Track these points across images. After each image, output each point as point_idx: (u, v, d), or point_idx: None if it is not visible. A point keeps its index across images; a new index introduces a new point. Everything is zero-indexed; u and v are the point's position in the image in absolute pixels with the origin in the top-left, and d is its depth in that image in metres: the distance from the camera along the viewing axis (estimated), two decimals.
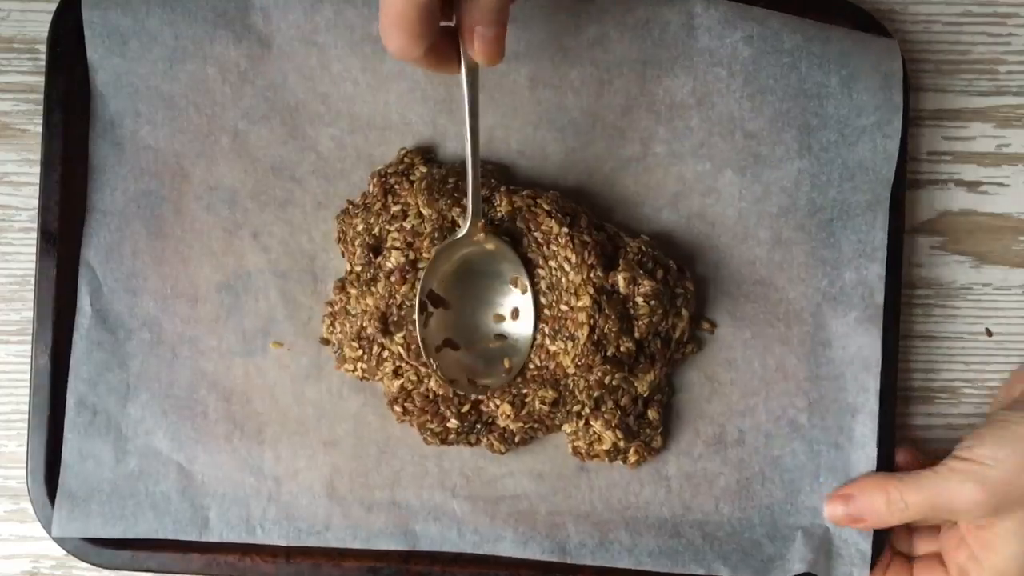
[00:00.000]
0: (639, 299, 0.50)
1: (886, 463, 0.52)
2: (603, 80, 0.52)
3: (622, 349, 0.50)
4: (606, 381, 0.50)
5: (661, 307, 0.50)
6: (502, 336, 0.51)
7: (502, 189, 0.51)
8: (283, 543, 0.52)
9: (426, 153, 0.53)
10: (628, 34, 0.52)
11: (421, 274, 0.50)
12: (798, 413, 0.53)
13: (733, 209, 0.53)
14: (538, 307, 0.50)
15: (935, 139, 0.56)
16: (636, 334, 0.50)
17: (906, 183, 0.54)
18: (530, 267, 0.51)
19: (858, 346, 0.53)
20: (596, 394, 0.51)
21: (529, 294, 0.50)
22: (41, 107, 0.52)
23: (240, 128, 0.52)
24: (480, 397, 0.51)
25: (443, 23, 0.43)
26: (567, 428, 0.52)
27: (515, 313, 0.51)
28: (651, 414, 0.52)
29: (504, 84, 0.52)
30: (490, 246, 0.50)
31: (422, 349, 0.50)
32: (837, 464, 0.52)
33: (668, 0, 0.52)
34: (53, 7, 0.52)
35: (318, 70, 0.52)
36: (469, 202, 0.49)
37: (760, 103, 0.52)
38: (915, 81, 0.55)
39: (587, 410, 0.51)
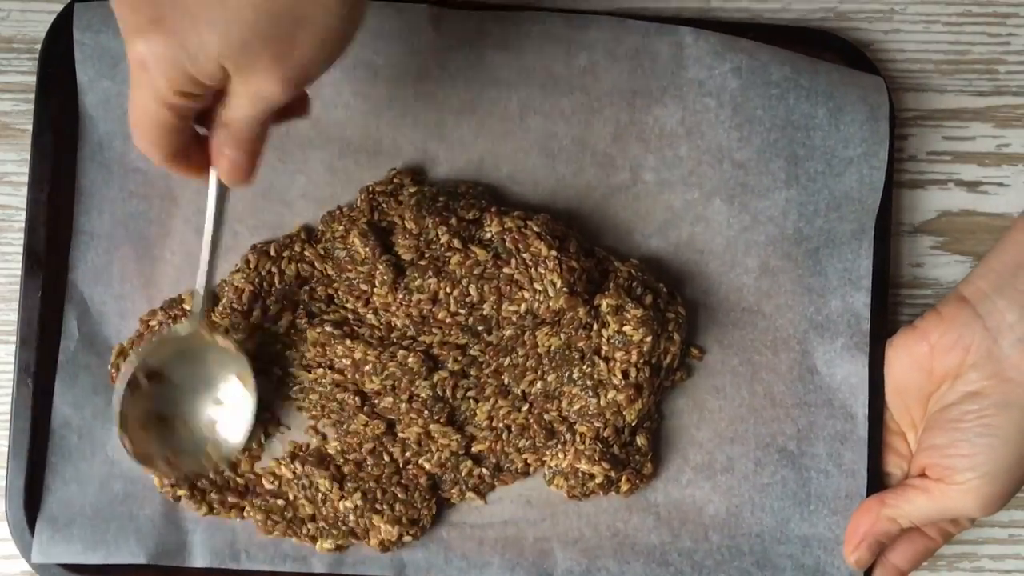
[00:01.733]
0: (627, 328, 0.50)
1: (876, 489, 0.53)
2: (593, 108, 0.53)
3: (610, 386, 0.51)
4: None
5: (651, 333, 0.51)
6: (214, 423, 0.50)
7: (492, 210, 0.51)
8: (268, 569, 0.51)
9: (416, 174, 0.53)
10: (618, 63, 0.53)
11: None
12: (787, 440, 0.53)
13: (721, 237, 0.53)
14: (257, 405, 0.49)
15: (935, 139, 0.56)
16: (622, 365, 0.51)
17: (899, 216, 0.55)
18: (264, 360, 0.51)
19: (845, 373, 0.53)
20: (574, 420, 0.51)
21: (249, 389, 0.49)
22: None
23: None
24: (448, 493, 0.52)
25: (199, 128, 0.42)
26: (551, 463, 0.52)
27: (233, 405, 0.49)
28: (640, 441, 0.52)
29: (494, 111, 0.53)
30: (216, 342, 0.49)
31: (116, 420, 0.47)
32: (827, 491, 0.52)
33: (658, 31, 0.53)
34: (53, 7, 0.52)
35: (309, 94, 0.52)
36: (197, 302, 0.48)
37: (748, 133, 0.53)
38: (915, 81, 0.56)
39: (566, 439, 0.51)
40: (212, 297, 0.50)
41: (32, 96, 0.52)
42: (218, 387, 0.50)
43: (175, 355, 0.49)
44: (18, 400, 0.51)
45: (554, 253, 0.50)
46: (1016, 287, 0.49)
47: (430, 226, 0.51)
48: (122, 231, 0.52)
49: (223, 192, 0.45)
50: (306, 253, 0.52)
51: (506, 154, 0.53)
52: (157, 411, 0.49)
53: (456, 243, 0.51)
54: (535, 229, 0.51)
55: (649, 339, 0.50)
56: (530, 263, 0.51)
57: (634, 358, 0.50)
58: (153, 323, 0.52)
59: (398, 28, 0.52)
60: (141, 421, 0.48)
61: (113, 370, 0.52)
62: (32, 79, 0.53)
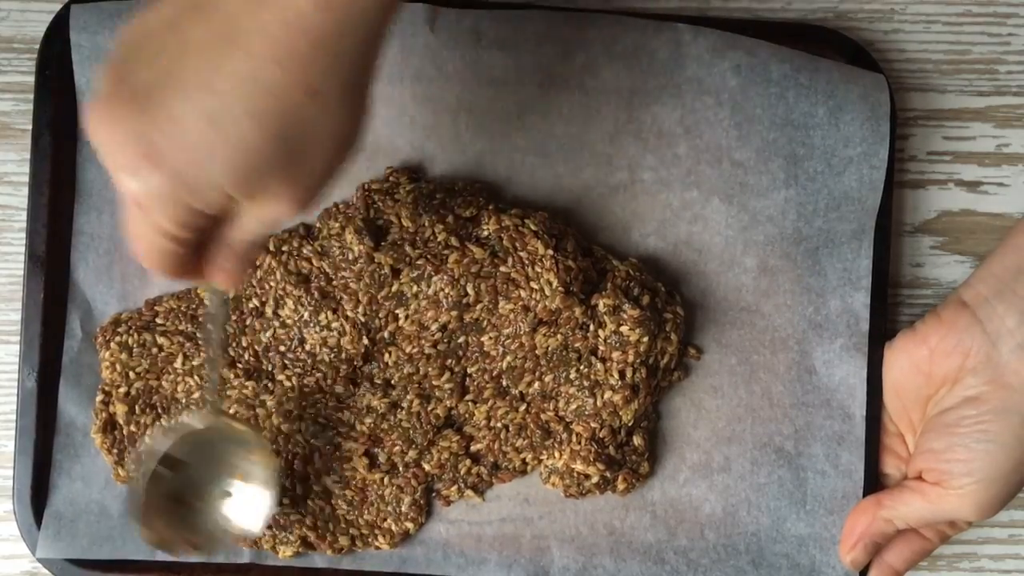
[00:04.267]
0: (624, 328, 0.50)
1: (872, 490, 0.53)
2: (591, 107, 0.52)
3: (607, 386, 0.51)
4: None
5: (648, 334, 0.50)
6: (231, 496, 0.49)
7: (490, 207, 0.51)
8: (271, 564, 0.52)
9: (412, 172, 0.53)
10: (616, 62, 0.52)
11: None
12: (784, 440, 0.53)
13: (720, 237, 0.53)
14: (273, 483, 0.49)
15: (935, 139, 0.55)
16: (619, 365, 0.51)
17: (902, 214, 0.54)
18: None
19: (843, 373, 0.53)
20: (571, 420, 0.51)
21: (268, 468, 0.49)
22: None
23: None
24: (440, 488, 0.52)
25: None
26: (547, 462, 0.52)
27: (247, 477, 0.49)
28: (636, 440, 0.52)
29: (492, 110, 0.52)
30: (233, 429, 0.49)
31: (133, 512, 0.47)
32: (824, 492, 0.52)
33: (656, 28, 0.52)
34: (53, 7, 0.52)
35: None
36: (211, 392, 0.48)
37: (747, 132, 0.52)
38: (915, 81, 0.55)
39: (562, 439, 0.51)
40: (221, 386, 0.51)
41: (32, 96, 0.53)
42: (237, 467, 0.49)
43: (190, 442, 0.48)
44: (23, 399, 0.52)
45: (550, 252, 0.50)
46: (1016, 292, 0.48)
47: (427, 224, 0.51)
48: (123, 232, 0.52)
49: (221, 300, 0.45)
50: (304, 250, 0.52)
51: (503, 153, 0.53)
52: (175, 495, 0.48)
53: (453, 241, 0.51)
54: (532, 228, 0.51)
55: (646, 340, 0.50)
56: (527, 262, 0.50)
57: (631, 359, 0.50)
58: (160, 308, 0.52)
59: (395, 28, 0.52)
60: (159, 507, 0.47)
61: (99, 336, 0.52)
62: (32, 79, 0.53)
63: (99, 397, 0.52)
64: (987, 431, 0.48)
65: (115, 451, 0.51)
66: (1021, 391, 0.47)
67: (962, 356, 0.49)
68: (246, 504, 0.49)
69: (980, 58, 0.56)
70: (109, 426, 0.51)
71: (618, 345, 0.50)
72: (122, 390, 0.52)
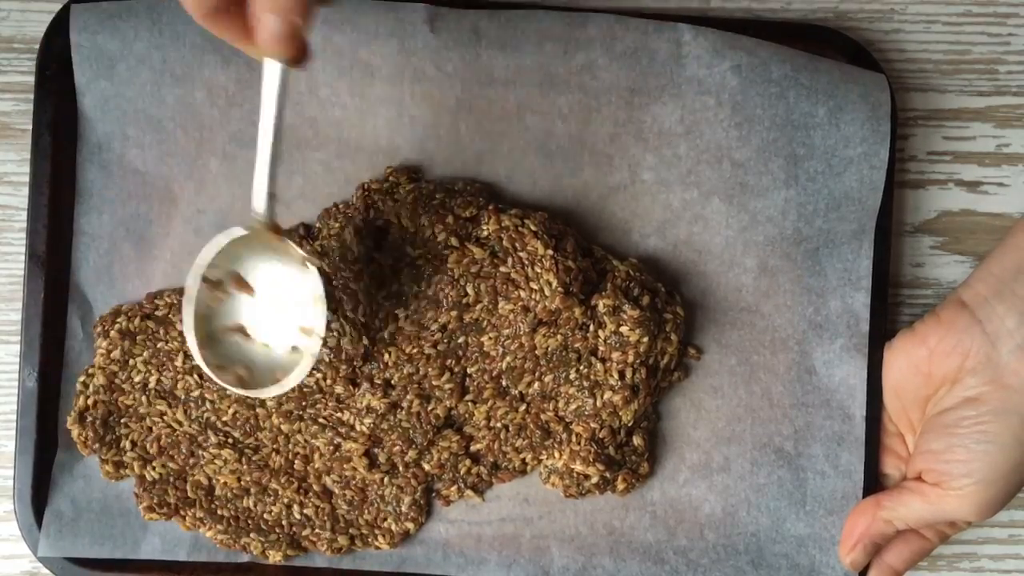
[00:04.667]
0: (624, 328, 0.50)
1: (872, 490, 0.53)
2: (591, 107, 0.52)
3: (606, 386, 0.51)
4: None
5: (648, 335, 0.50)
6: (297, 347, 0.47)
7: (490, 207, 0.51)
8: (273, 563, 0.52)
9: (412, 172, 0.53)
10: (616, 62, 0.52)
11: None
12: (784, 440, 0.53)
13: (720, 237, 0.53)
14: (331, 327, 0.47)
15: (935, 139, 0.56)
16: (619, 366, 0.51)
17: (903, 209, 0.54)
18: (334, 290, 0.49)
19: (843, 374, 0.53)
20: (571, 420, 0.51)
21: (323, 310, 0.46)
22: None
23: (228, 151, 0.52)
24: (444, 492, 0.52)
25: None
26: (547, 462, 0.52)
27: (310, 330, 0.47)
28: (636, 441, 0.52)
29: (492, 110, 0.52)
30: (285, 245, 0.46)
31: (188, 325, 0.45)
32: (823, 492, 0.52)
33: (657, 28, 0.52)
34: (53, 7, 0.53)
35: (306, 95, 0.52)
36: (259, 198, 0.44)
37: (748, 132, 0.52)
38: (915, 81, 0.56)
39: (562, 439, 0.51)
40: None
41: (32, 96, 0.53)
42: (299, 308, 0.47)
43: (245, 262, 0.47)
44: (23, 399, 0.52)
45: (550, 252, 0.50)
46: (1015, 292, 0.48)
47: (426, 224, 0.51)
48: (122, 232, 0.53)
49: (283, 75, 0.42)
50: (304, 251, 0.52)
51: (504, 153, 0.53)
52: (235, 324, 0.47)
53: (453, 241, 0.51)
54: (532, 228, 0.51)
55: (645, 340, 0.50)
56: (527, 262, 0.50)
57: (631, 359, 0.50)
58: (160, 301, 0.52)
59: (394, 28, 0.52)
60: (226, 328, 0.47)
61: (96, 328, 0.52)
62: (32, 79, 0.53)
63: (78, 387, 0.52)
64: (986, 432, 0.48)
65: (93, 445, 0.51)
66: (1020, 392, 0.47)
67: (961, 356, 0.49)
68: (294, 351, 0.47)
69: (980, 58, 0.55)
70: (83, 416, 0.52)
71: (618, 345, 0.50)
72: (118, 381, 0.52)
